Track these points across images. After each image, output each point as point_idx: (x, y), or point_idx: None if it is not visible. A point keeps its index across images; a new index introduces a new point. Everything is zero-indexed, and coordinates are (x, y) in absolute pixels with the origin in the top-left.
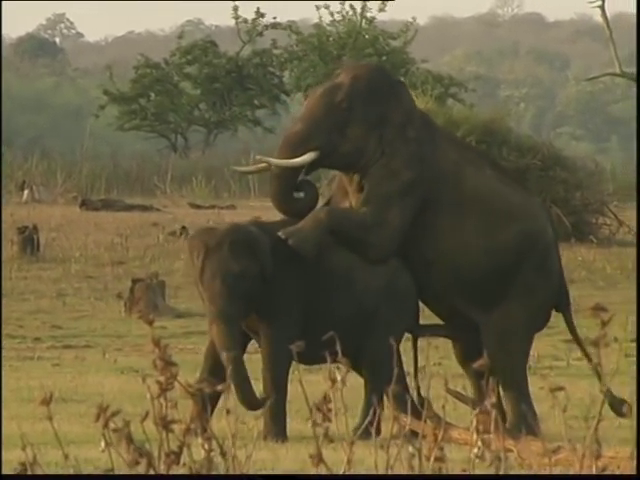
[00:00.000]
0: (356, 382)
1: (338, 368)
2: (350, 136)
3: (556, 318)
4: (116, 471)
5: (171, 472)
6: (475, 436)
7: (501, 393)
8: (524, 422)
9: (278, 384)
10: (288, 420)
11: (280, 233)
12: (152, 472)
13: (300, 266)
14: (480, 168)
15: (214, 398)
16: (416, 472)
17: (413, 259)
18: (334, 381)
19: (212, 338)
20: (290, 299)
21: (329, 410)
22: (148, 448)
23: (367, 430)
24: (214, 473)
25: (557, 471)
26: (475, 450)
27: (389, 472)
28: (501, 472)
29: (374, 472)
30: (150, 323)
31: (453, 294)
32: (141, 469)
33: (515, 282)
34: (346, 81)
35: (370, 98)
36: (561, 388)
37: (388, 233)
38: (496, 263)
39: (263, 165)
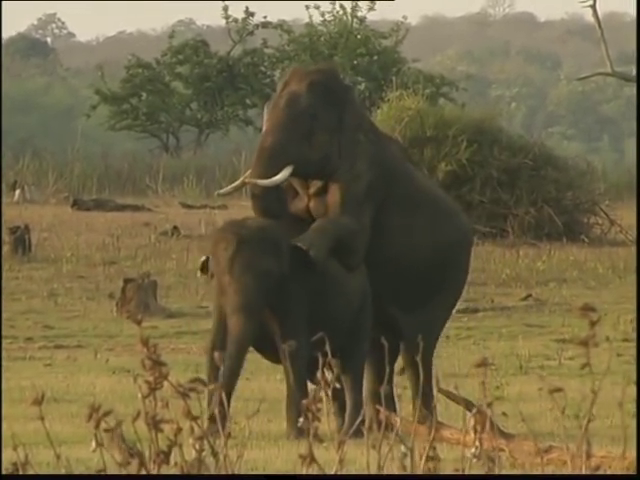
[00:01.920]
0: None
1: (330, 369)
2: (316, 144)
3: (548, 317)
4: (107, 471)
5: (162, 472)
6: (472, 436)
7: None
8: (432, 411)
9: (301, 382)
10: (279, 420)
11: (299, 244)
12: (143, 472)
13: (305, 270)
14: (418, 168)
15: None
16: (408, 472)
17: (367, 260)
18: (326, 381)
19: (231, 329)
20: (301, 301)
21: (318, 410)
22: (139, 448)
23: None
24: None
25: (549, 470)
26: (473, 450)
27: (381, 472)
28: (494, 472)
29: (366, 472)
30: (139, 323)
31: (396, 292)
32: (132, 469)
33: (447, 278)
34: (304, 88)
35: (329, 103)
36: (560, 389)
37: (365, 238)
38: (440, 260)
39: (238, 184)
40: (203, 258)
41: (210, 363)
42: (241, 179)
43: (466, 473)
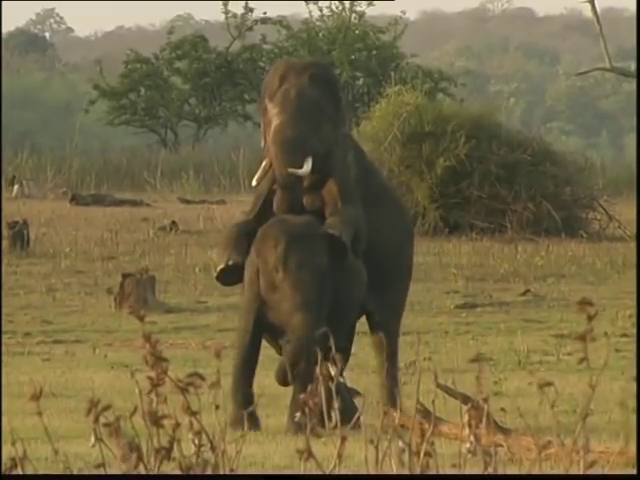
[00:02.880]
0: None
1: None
2: (323, 137)
3: (547, 312)
4: (106, 466)
5: (162, 467)
6: (467, 431)
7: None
8: (396, 397)
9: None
10: (277, 416)
11: (336, 235)
12: (142, 467)
13: (337, 261)
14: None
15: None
16: (406, 467)
17: None
18: (327, 377)
19: (294, 325)
20: (330, 292)
21: (315, 404)
22: (138, 443)
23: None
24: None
25: (547, 466)
26: (467, 445)
27: (379, 467)
28: (491, 467)
29: (364, 467)
30: (141, 319)
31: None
32: (131, 464)
33: (405, 266)
34: (309, 82)
35: (330, 96)
36: (549, 384)
37: (364, 225)
38: (400, 250)
39: (266, 168)
40: (222, 266)
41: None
42: (263, 164)
43: (463, 469)
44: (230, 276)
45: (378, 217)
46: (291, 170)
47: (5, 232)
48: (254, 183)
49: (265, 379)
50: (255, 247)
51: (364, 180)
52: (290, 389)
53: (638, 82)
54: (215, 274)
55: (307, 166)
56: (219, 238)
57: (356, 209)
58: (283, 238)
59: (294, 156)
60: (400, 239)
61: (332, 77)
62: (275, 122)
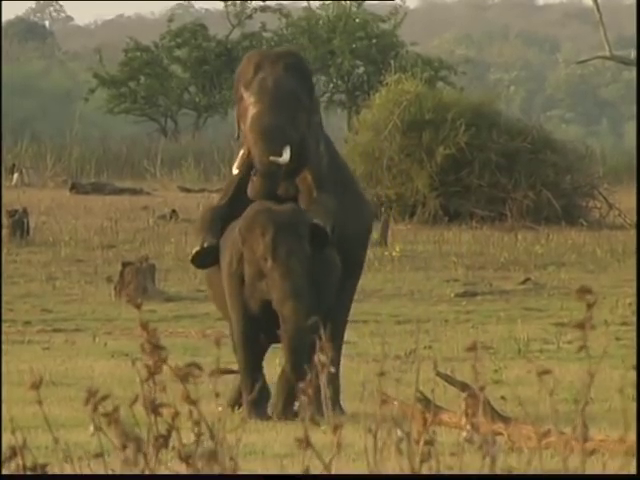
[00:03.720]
0: (344, 366)
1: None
2: (298, 126)
3: (547, 301)
4: (105, 455)
5: (160, 456)
6: (464, 419)
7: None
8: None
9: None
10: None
11: (320, 224)
12: (140, 457)
13: (318, 249)
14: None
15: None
16: (405, 455)
17: None
18: (324, 365)
19: (288, 314)
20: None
21: (314, 393)
22: (137, 432)
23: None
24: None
25: (547, 454)
26: (464, 434)
27: (378, 456)
28: (490, 456)
29: (363, 456)
30: (138, 307)
31: None
32: (129, 453)
33: (362, 256)
34: (285, 71)
35: (304, 85)
36: (548, 371)
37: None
38: (361, 241)
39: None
40: (197, 249)
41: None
42: (241, 153)
43: (462, 458)
44: (204, 259)
45: (343, 209)
46: (272, 158)
47: (5, 220)
48: (235, 171)
49: (265, 369)
50: (240, 235)
51: (333, 170)
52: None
53: (638, 72)
54: (190, 257)
55: (286, 154)
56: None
57: (331, 198)
58: (271, 227)
59: (273, 144)
60: (361, 233)
61: (305, 66)
62: (252, 111)
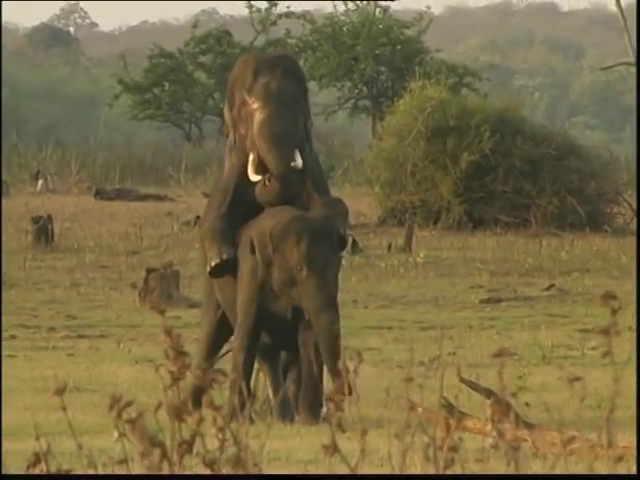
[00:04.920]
0: (366, 372)
1: (351, 359)
2: (300, 129)
3: (571, 307)
4: (130, 461)
5: (184, 462)
6: (490, 426)
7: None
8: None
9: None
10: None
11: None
12: (165, 462)
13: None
14: None
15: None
16: (431, 462)
17: None
18: (348, 371)
19: (319, 328)
20: None
21: (342, 400)
22: (161, 438)
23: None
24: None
25: (572, 460)
26: (490, 440)
27: (403, 462)
28: (515, 462)
29: (387, 462)
30: (162, 313)
31: None
32: (154, 459)
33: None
34: (285, 75)
35: (302, 89)
36: (578, 378)
37: None
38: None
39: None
40: (217, 261)
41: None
42: (252, 158)
43: (487, 464)
44: (222, 269)
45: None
46: (293, 164)
47: (30, 227)
48: (255, 178)
49: None
50: (271, 241)
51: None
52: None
53: (638, 72)
54: (209, 269)
55: (299, 158)
56: (201, 233)
57: (341, 201)
58: (306, 236)
59: (288, 149)
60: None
61: (301, 70)
62: (260, 116)
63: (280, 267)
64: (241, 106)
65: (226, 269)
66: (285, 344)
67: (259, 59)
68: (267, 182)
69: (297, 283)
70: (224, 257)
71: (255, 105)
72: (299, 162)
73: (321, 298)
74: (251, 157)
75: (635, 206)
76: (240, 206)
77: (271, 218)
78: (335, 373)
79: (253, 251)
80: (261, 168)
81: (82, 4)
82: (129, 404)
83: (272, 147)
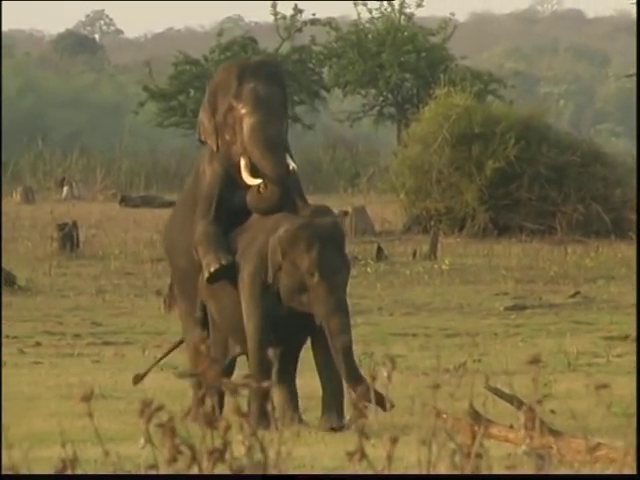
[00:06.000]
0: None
1: (383, 364)
2: (285, 133)
3: (596, 314)
4: (157, 468)
5: (216, 470)
6: (522, 433)
7: None
8: None
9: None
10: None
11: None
12: (195, 469)
13: None
14: None
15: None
16: (458, 469)
17: None
18: (374, 378)
19: (334, 330)
20: None
21: (365, 407)
22: (191, 444)
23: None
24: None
25: (597, 468)
26: (523, 447)
27: (431, 469)
28: (542, 470)
29: (416, 469)
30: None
31: None
32: (182, 465)
33: None
34: (270, 79)
35: (285, 94)
36: (605, 385)
37: None
38: None
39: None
40: (216, 267)
41: (262, 360)
42: (244, 162)
43: (516, 471)
44: (220, 275)
45: None
46: (292, 168)
47: (55, 234)
48: (255, 182)
49: (312, 381)
50: (280, 247)
51: None
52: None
53: (638, 82)
54: (207, 275)
55: (291, 161)
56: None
57: (327, 207)
58: (316, 242)
59: (281, 154)
60: None
61: (283, 75)
62: (250, 120)
63: (289, 273)
64: (227, 112)
65: (223, 275)
66: (283, 350)
67: (242, 65)
68: (262, 189)
69: (308, 289)
70: (223, 263)
71: (244, 110)
72: (293, 165)
73: (332, 302)
74: (243, 162)
75: None
76: (225, 212)
77: (274, 224)
78: (350, 378)
79: (265, 258)
80: (253, 173)
81: (107, 11)
82: (159, 409)
83: (266, 151)
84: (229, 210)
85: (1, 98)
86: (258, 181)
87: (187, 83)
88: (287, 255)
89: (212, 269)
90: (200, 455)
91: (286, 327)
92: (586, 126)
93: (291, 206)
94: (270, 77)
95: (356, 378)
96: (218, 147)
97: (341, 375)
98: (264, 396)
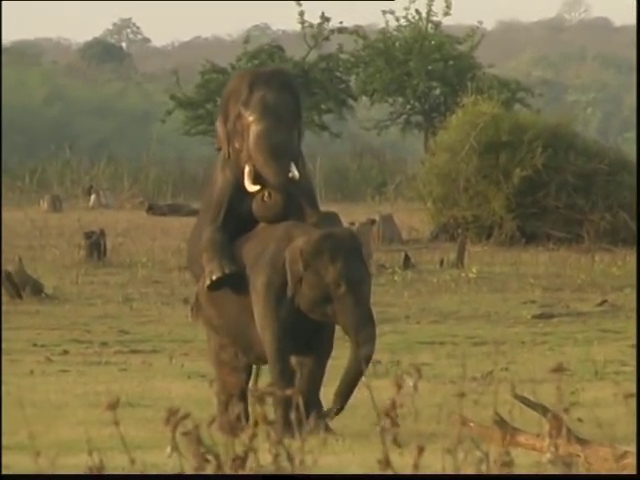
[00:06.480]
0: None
1: (409, 374)
2: (294, 143)
3: (624, 323)
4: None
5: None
6: (547, 441)
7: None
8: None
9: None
10: (354, 425)
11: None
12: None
13: None
14: None
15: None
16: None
17: None
18: (400, 386)
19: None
20: None
21: (397, 416)
22: (216, 452)
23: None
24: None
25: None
26: (547, 455)
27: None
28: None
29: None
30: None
31: None
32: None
33: None
34: (281, 89)
35: (297, 103)
36: (633, 394)
37: None
38: None
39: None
40: (219, 275)
41: (285, 367)
42: (248, 170)
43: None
44: (221, 284)
45: None
46: (291, 175)
47: (82, 242)
48: (254, 188)
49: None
50: (302, 259)
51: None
52: (365, 398)
53: (638, 74)
54: (209, 283)
55: (295, 169)
56: (195, 251)
57: (336, 215)
58: (341, 253)
59: (285, 162)
60: None
61: (296, 84)
62: (256, 128)
63: (312, 284)
64: (236, 119)
65: (224, 283)
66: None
67: (255, 73)
68: (267, 197)
69: (334, 300)
70: (226, 271)
71: (251, 118)
72: (295, 173)
73: (359, 314)
74: (247, 169)
75: None
76: (234, 219)
77: (285, 233)
78: (340, 393)
79: (283, 266)
80: (257, 180)
81: (135, 19)
82: (185, 417)
83: (269, 159)
84: (238, 217)
85: (1, 102)
86: (257, 188)
87: (214, 91)
88: (310, 266)
89: (214, 277)
90: (224, 463)
91: (299, 335)
92: (613, 134)
93: (297, 213)
94: (282, 86)
95: (343, 397)
96: (229, 154)
97: (341, 382)
98: (288, 404)
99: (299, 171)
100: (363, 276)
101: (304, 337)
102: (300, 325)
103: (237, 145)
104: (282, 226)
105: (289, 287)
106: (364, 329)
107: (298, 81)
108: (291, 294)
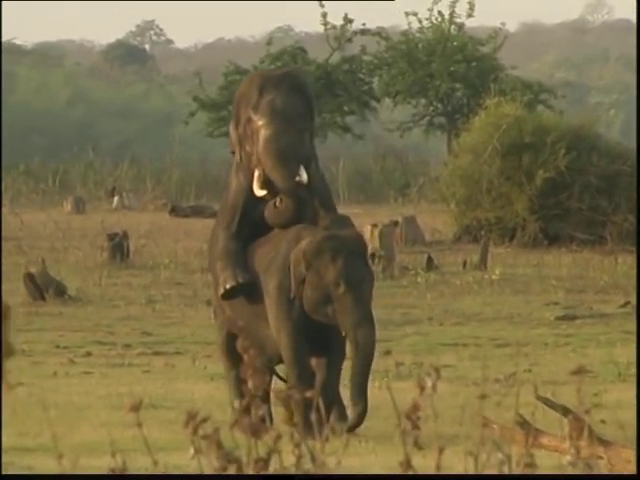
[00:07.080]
0: (441, 389)
1: (429, 375)
2: (305, 146)
3: None
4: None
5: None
6: (568, 443)
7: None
8: None
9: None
10: (376, 427)
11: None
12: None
13: None
14: None
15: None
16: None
17: None
18: (423, 388)
19: (361, 341)
20: None
21: (418, 418)
22: (237, 454)
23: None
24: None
25: None
26: (568, 457)
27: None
28: None
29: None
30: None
31: None
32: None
33: None
34: (291, 92)
35: (308, 106)
36: None
37: None
38: None
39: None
40: (233, 284)
41: (303, 368)
42: (258, 174)
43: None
44: (235, 292)
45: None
46: (298, 178)
47: (105, 244)
48: (262, 193)
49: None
50: (304, 260)
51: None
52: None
53: (638, 75)
54: (222, 292)
55: (304, 173)
56: (214, 254)
57: (348, 218)
58: (342, 253)
59: (293, 165)
60: None
61: (308, 86)
62: (265, 132)
63: (314, 285)
64: (247, 123)
65: (239, 292)
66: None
67: (265, 76)
68: (278, 203)
69: (333, 300)
70: (240, 281)
71: (260, 122)
72: (304, 177)
73: (358, 314)
74: (256, 173)
75: None
76: (248, 224)
77: (295, 236)
78: (355, 394)
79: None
80: (267, 185)
81: (158, 21)
82: (205, 420)
83: (277, 163)
84: (252, 222)
85: (1, 102)
86: (264, 193)
87: None
88: (312, 266)
89: (228, 286)
90: (246, 465)
91: (313, 337)
92: (636, 136)
93: (310, 217)
94: (292, 88)
95: (359, 396)
96: (241, 158)
97: (350, 387)
98: (308, 406)
99: (312, 173)
100: (363, 276)
101: (317, 339)
102: (312, 327)
103: (248, 149)
104: (293, 229)
105: (292, 288)
106: (362, 330)
107: (310, 83)
108: (293, 295)
